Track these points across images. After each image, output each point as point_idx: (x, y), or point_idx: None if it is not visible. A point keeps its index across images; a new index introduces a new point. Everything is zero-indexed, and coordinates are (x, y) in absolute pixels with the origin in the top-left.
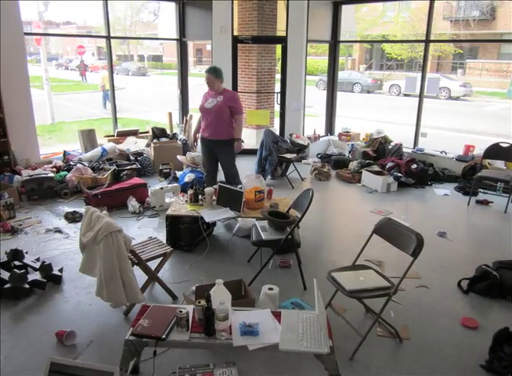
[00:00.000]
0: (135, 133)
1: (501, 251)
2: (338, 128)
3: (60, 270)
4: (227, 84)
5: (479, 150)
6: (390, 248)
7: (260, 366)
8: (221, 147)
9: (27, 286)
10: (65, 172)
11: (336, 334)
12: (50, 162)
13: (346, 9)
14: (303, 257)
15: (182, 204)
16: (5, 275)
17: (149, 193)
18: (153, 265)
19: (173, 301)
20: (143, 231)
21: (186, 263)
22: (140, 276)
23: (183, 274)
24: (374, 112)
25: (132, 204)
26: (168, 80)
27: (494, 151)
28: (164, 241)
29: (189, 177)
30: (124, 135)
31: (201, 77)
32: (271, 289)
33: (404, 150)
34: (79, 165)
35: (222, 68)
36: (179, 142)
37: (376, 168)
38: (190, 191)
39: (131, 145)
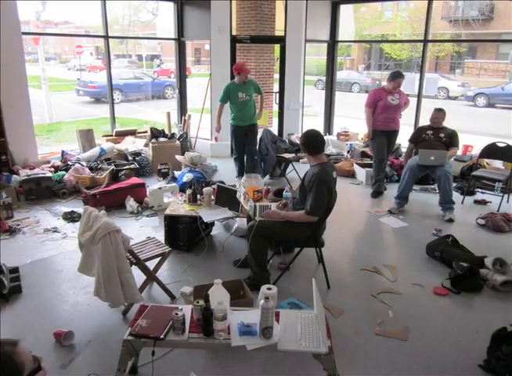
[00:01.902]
0: (133, 133)
1: (496, 250)
2: (337, 128)
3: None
4: (225, 84)
5: (477, 150)
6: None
7: (257, 367)
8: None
9: None
10: (63, 172)
11: (334, 333)
12: (48, 162)
13: (344, 9)
14: (301, 256)
15: (180, 204)
16: None
17: (148, 193)
18: (151, 264)
19: (171, 301)
20: (142, 231)
21: (185, 263)
22: (139, 276)
23: (182, 274)
24: None
25: (130, 204)
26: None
27: (490, 151)
28: (163, 241)
29: (187, 177)
30: (122, 135)
31: (199, 76)
32: (269, 289)
33: (403, 149)
34: (77, 165)
35: (221, 68)
36: (177, 142)
37: None
38: (189, 191)
39: (130, 145)
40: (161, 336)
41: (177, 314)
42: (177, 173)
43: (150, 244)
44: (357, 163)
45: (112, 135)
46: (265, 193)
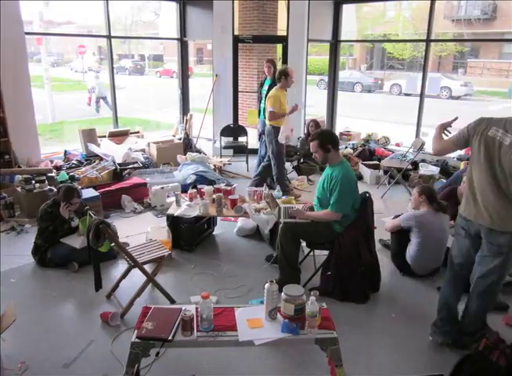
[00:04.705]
0: (125, 133)
1: None
2: (339, 128)
3: None
4: (228, 84)
5: None
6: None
7: (259, 367)
8: None
9: None
10: (63, 174)
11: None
12: (51, 161)
13: (347, 9)
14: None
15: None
16: None
17: (150, 193)
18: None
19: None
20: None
21: (187, 263)
22: (139, 276)
23: (185, 275)
24: (375, 111)
25: (126, 204)
26: (169, 79)
27: None
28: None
29: (191, 178)
30: (115, 135)
31: (202, 76)
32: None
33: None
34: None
35: (223, 67)
36: (180, 142)
37: None
38: (191, 191)
39: (132, 145)
40: (169, 337)
41: (185, 314)
42: (176, 173)
43: (151, 247)
44: (364, 163)
45: (105, 136)
46: (257, 198)
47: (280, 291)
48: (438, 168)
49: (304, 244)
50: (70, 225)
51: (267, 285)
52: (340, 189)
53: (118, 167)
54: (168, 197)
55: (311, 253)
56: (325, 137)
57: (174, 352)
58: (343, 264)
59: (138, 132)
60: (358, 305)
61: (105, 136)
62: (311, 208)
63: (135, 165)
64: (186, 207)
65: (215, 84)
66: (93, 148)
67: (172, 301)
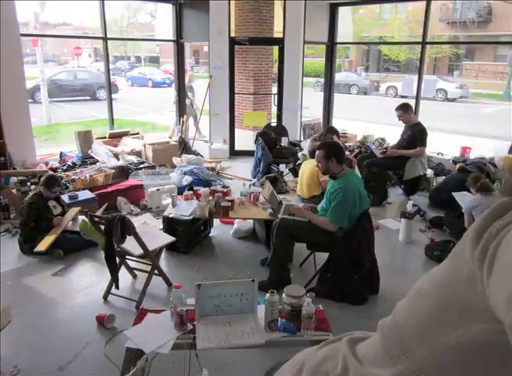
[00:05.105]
0: (126, 134)
1: None
2: None
3: None
4: (224, 86)
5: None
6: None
7: (257, 367)
8: None
9: None
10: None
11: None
12: (47, 163)
13: (343, 11)
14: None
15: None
16: None
17: (146, 195)
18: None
19: (168, 288)
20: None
21: (183, 265)
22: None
23: (182, 274)
24: (371, 113)
25: (122, 206)
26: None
27: None
28: None
29: (187, 180)
30: (115, 136)
31: (198, 78)
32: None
33: None
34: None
35: (219, 69)
36: (176, 144)
37: None
38: (186, 192)
39: (128, 146)
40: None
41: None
42: (172, 174)
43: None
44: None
45: (105, 137)
46: (253, 199)
47: (266, 290)
48: (432, 171)
49: (304, 244)
50: (47, 222)
51: (267, 295)
52: (339, 202)
53: (127, 164)
54: (164, 198)
55: (312, 255)
56: (331, 149)
57: (174, 352)
58: (342, 266)
59: (138, 133)
60: (356, 307)
61: (105, 137)
62: (312, 208)
63: (145, 165)
64: (181, 208)
65: (210, 85)
66: (94, 150)
67: (169, 284)
